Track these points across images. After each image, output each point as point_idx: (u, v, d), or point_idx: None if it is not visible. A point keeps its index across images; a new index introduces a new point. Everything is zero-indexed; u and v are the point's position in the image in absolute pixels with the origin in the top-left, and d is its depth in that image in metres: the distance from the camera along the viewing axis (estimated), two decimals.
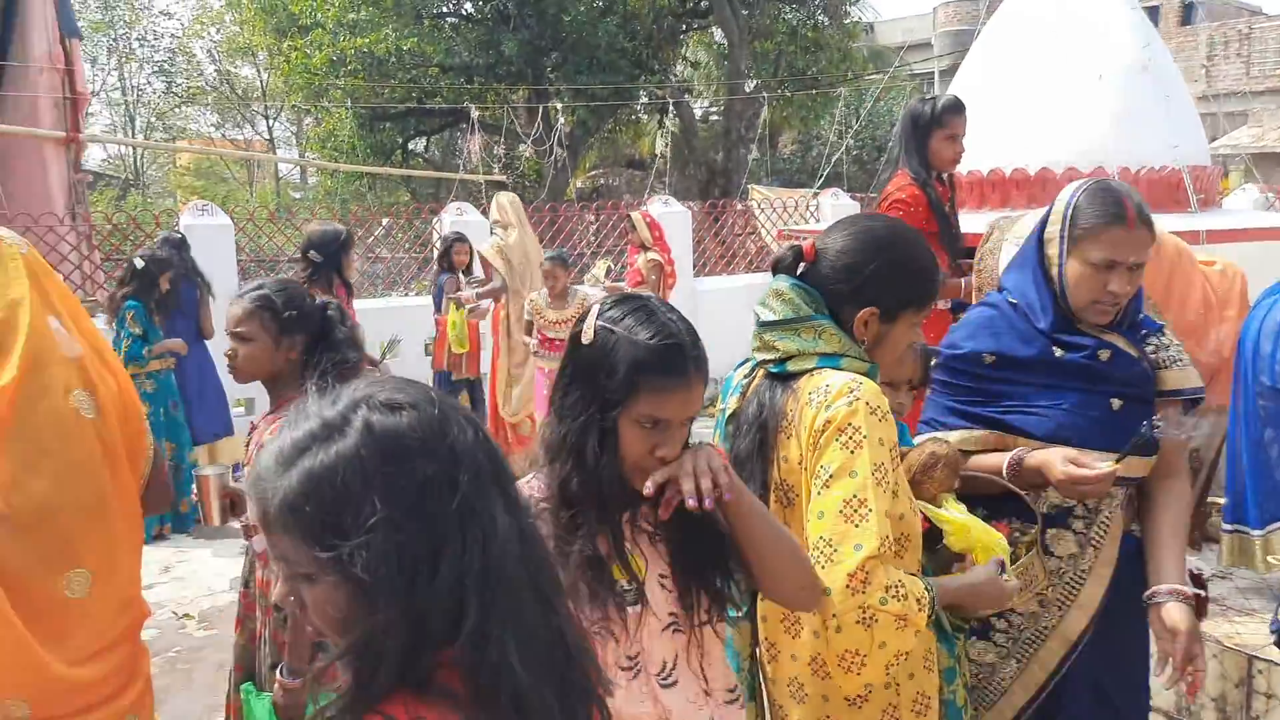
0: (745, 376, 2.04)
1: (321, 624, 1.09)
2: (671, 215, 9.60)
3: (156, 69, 30.08)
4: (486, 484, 1.10)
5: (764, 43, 19.44)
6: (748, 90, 18.13)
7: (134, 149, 31.16)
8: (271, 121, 31.55)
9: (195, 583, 5.46)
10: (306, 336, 2.71)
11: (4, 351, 2.18)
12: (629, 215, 9.00)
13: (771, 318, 1.95)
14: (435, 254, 7.61)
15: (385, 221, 12.69)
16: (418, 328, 8.24)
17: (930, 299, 2.00)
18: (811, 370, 1.89)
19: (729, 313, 9.73)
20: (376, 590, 1.02)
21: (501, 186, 15.68)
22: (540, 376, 6.86)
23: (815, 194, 11.56)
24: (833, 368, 1.88)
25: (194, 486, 2.76)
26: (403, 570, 1.02)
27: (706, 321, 9.13)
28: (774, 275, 2.03)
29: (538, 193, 18.99)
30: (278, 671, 2.50)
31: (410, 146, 23.99)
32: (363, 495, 1.03)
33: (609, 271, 9.60)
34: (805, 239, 2.08)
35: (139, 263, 6.17)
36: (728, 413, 2.02)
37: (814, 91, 19.39)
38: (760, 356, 1.98)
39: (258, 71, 30.44)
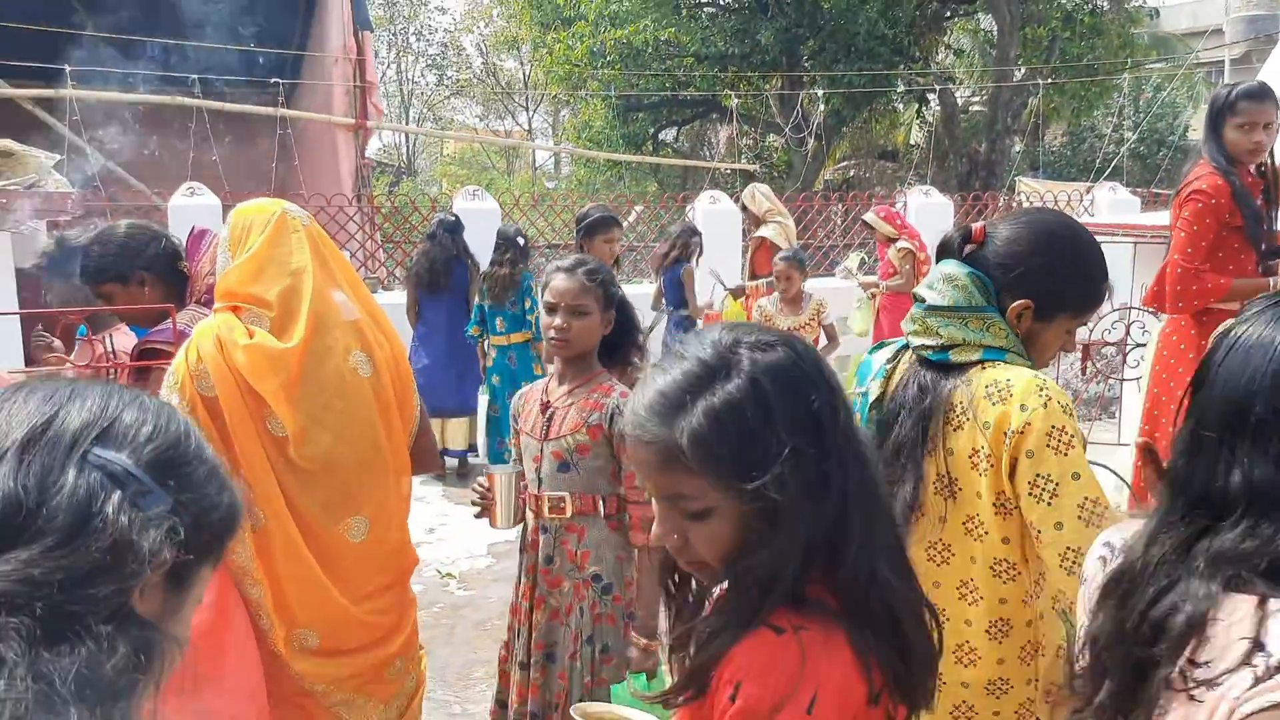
0: (889, 361, 1.96)
1: (710, 555, 1.17)
2: (932, 206, 9.19)
3: (430, 63, 31.99)
4: (850, 411, 1.20)
5: (1036, 29, 18.32)
6: (1016, 79, 17.15)
7: (408, 140, 33.29)
8: (531, 113, 32.88)
9: (457, 544, 5.70)
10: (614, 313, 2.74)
11: (291, 316, 2.38)
12: (863, 220, 8.73)
13: (940, 303, 1.86)
14: (676, 245, 7.53)
15: (638, 208, 12.91)
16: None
17: (1091, 308, 1.96)
18: (978, 362, 1.82)
19: None
20: (786, 515, 1.10)
21: (751, 177, 15.63)
22: None
23: (1090, 188, 10.75)
24: (996, 360, 1.82)
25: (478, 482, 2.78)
26: (808, 495, 1.10)
27: None
28: (938, 259, 1.94)
29: (786, 184, 18.78)
30: (631, 631, 2.57)
31: (661, 137, 24.32)
32: (767, 427, 1.10)
33: (862, 264, 9.29)
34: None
35: None
36: (871, 397, 1.95)
37: (1090, 81, 18.11)
38: (918, 341, 1.88)
39: (520, 64, 31.80)
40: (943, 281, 1.88)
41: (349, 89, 9.55)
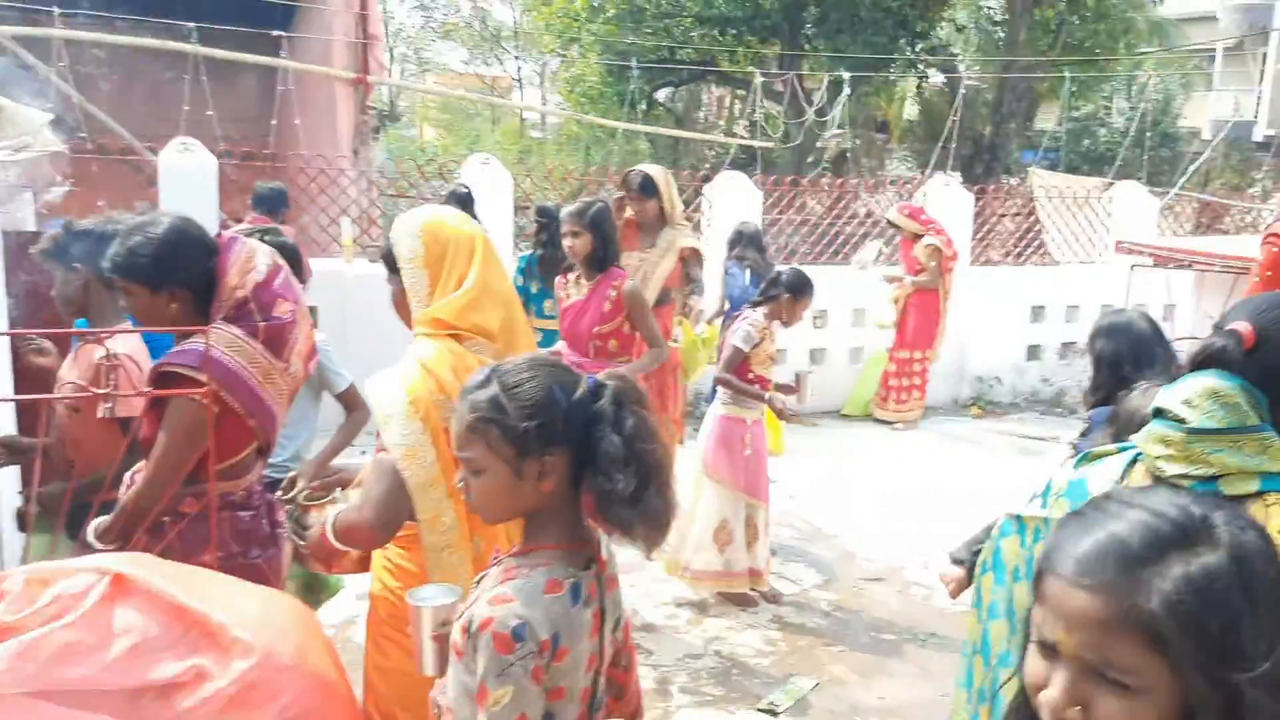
0: (1113, 483, 1.69)
1: None
2: (952, 197, 8.90)
3: (417, 3, 31.08)
4: None
5: (1044, 10, 17.99)
6: (1024, 63, 16.83)
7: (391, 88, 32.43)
8: (520, 62, 32.10)
9: None
10: None
11: (512, 347, 2.41)
12: (887, 220, 8.44)
13: (1210, 425, 1.59)
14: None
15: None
16: None
17: None
18: (1257, 494, 1.56)
19: (1002, 310, 9.04)
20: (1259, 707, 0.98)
21: (767, 153, 15.24)
22: (730, 428, 4.91)
23: (1108, 184, 10.51)
24: (1276, 490, 1.56)
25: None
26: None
27: (978, 317, 8.45)
28: (1194, 369, 1.67)
29: (783, 154, 18.40)
30: None
31: (656, 96, 23.78)
32: (1253, 615, 0.99)
33: (879, 255, 9.02)
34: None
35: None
36: None
37: (1095, 66, 17.83)
38: (1177, 469, 1.60)
39: (511, 9, 30.97)
40: (1208, 398, 1.61)
41: (350, 42, 9.07)
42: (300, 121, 8.37)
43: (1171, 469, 1.62)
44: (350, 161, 8.43)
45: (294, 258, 3.31)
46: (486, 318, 2.39)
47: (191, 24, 8.33)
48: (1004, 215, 10.67)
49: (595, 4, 18.34)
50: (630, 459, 1.67)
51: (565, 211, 4.80)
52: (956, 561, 2.50)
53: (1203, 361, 1.66)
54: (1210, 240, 6.08)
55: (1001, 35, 18.86)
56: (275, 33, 8.45)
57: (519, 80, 32.51)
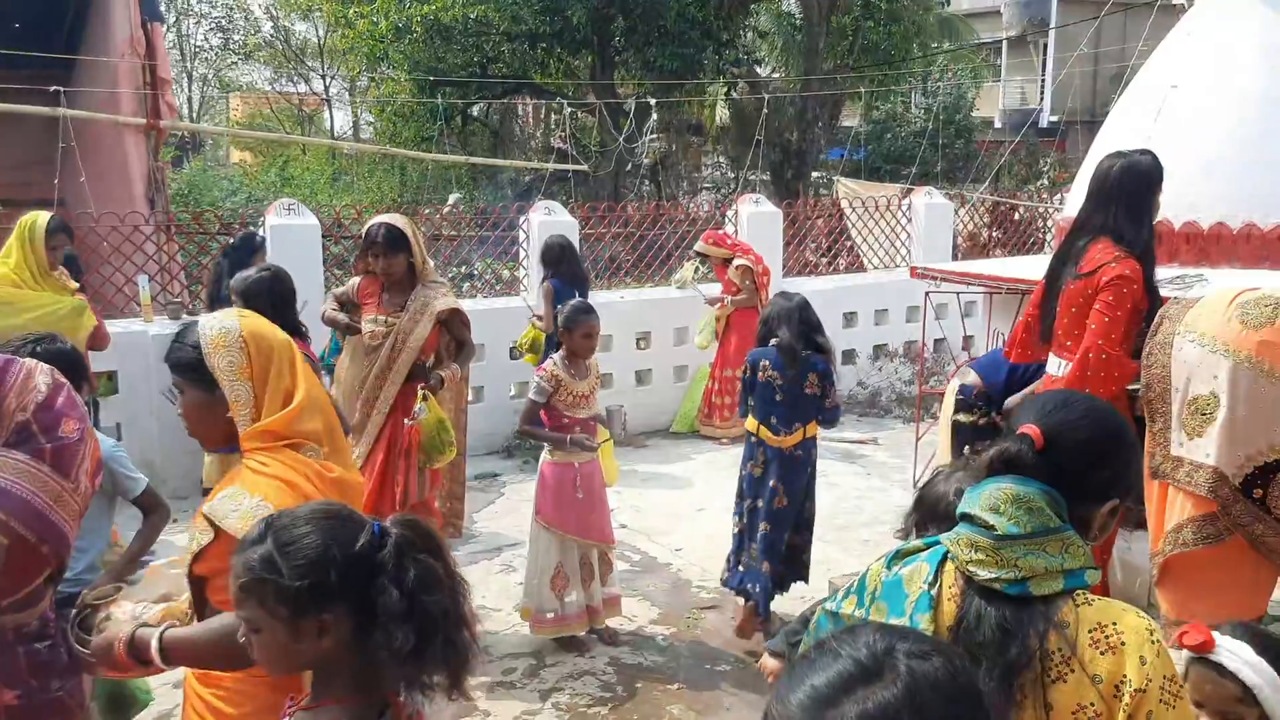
0: (929, 584, 1.74)
1: None
2: (761, 215, 9.22)
3: (213, 25, 29.83)
4: None
5: (840, 17, 18.80)
6: (824, 68, 17.54)
7: (190, 106, 31.03)
8: (328, 80, 31.26)
9: None
10: None
11: (337, 449, 2.48)
12: (694, 253, 8.71)
13: (1016, 531, 1.67)
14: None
15: (455, 196, 12.42)
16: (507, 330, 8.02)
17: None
18: (1062, 594, 1.66)
19: (823, 312, 9.39)
20: None
21: (581, 175, 15.33)
22: (558, 474, 4.89)
23: (907, 190, 11.08)
24: (1079, 586, 1.67)
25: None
26: None
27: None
28: (991, 474, 1.76)
29: (602, 165, 18.60)
30: None
31: (471, 112, 23.60)
32: None
33: (696, 272, 9.24)
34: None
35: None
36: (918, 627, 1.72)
37: (887, 69, 18.76)
38: (987, 574, 1.68)
39: (315, 28, 30.11)
40: (1012, 505, 1.69)
41: (138, 86, 8.63)
42: (87, 175, 7.92)
43: (983, 573, 1.68)
44: (145, 214, 8.02)
45: (74, 365, 3.16)
46: (314, 424, 2.39)
47: None
48: (817, 218, 11.09)
49: (400, 25, 18.03)
50: (411, 612, 1.64)
51: (232, 283, 4.55)
52: (774, 654, 2.57)
53: (1000, 466, 1.75)
54: (996, 263, 6.52)
55: (803, 41, 19.60)
56: (53, 88, 7.97)
57: (328, 98, 31.66)
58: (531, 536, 4.99)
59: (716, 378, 8.46)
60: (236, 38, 30.46)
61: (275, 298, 4.23)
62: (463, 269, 10.44)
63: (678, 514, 6.81)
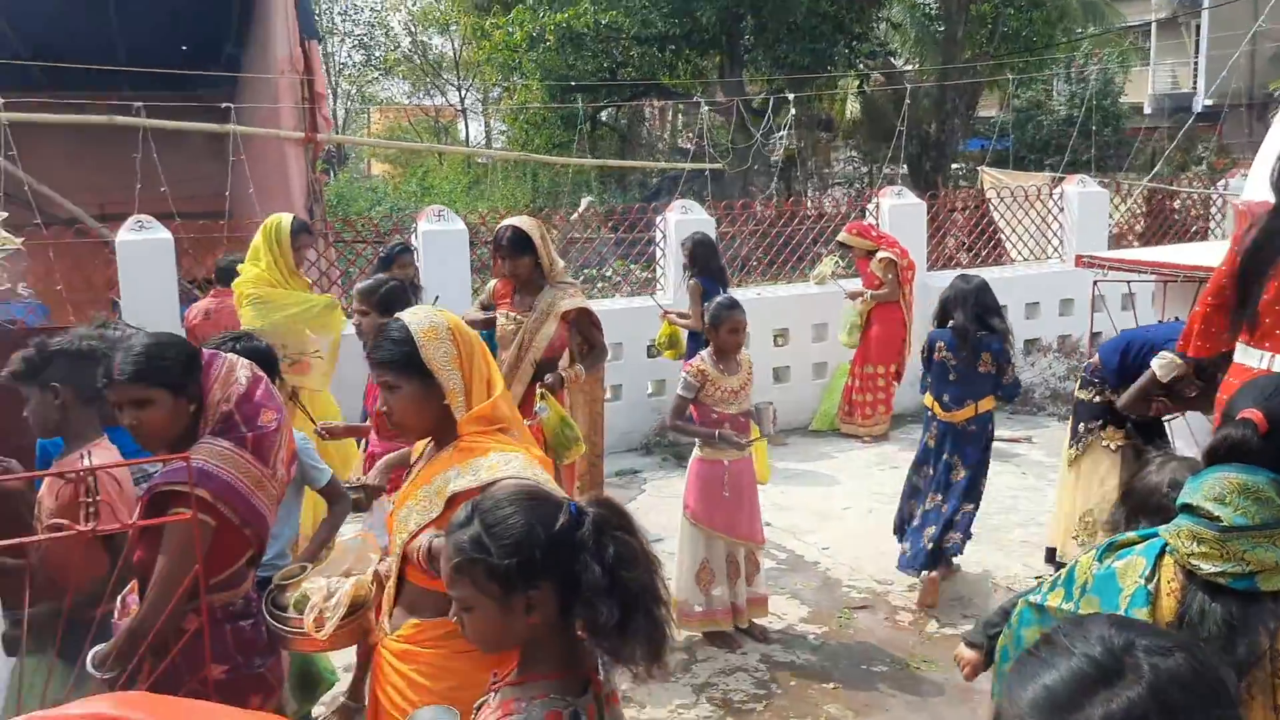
0: (1145, 578, 1.67)
1: None
2: (904, 208, 9.04)
3: (356, 42, 31.04)
4: None
5: (979, 4, 18.28)
6: (964, 57, 17.10)
7: (336, 121, 32.32)
8: (463, 91, 32.14)
9: None
10: None
11: (524, 434, 2.61)
12: (836, 243, 8.58)
13: (1243, 522, 1.59)
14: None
15: (588, 199, 12.54)
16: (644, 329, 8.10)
17: None
18: None
19: None
20: None
21: (717, 174, 15.35)
22: (706, 471, 4.92)
23: (1057, 179, 10.69)
24: None
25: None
26: None
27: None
28: (1213, 462, 1.69)
29: (732, 163, 18.56)
30: None
31: (600, 116, 23.91)
32: None
33: (836, 268, 9.13)
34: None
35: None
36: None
37: (1030, 56, 18.14)
38: (1212, 567, 1.61)
39: (450, 41, 30.99)
40: (1239, 494, 1.63)
41: (297, 101, 9.07)
42: (254, 188, 8.37)
43: (1208, 566, 1.62)
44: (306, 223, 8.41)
45: (268, 361, 3.35)
46: (510, 411, 2.52)
47: (139, 102, 8.37)
48: (962, 209, 10.82)
49: (534, 34, 18.43)
50: (614, 587, 1.70)
51: (356, 288, 4.70)
52: (971, 644, 2.52)
53: (1223, 454, 1.68)
54: (1170, 250, 6.21)
55: (939, 30, 19.15)
56: (224, 105, 8.49)
57: (463, 110, 32.51)
58: (680, 531, 5.04)
59: (856, 374, 8.34)
60: (377, 54, 31.62)
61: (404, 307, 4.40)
62: (596, 270, 10.57)
63: (823, 512, 6.75)
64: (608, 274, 10.83)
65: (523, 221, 4.95)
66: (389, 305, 4.25)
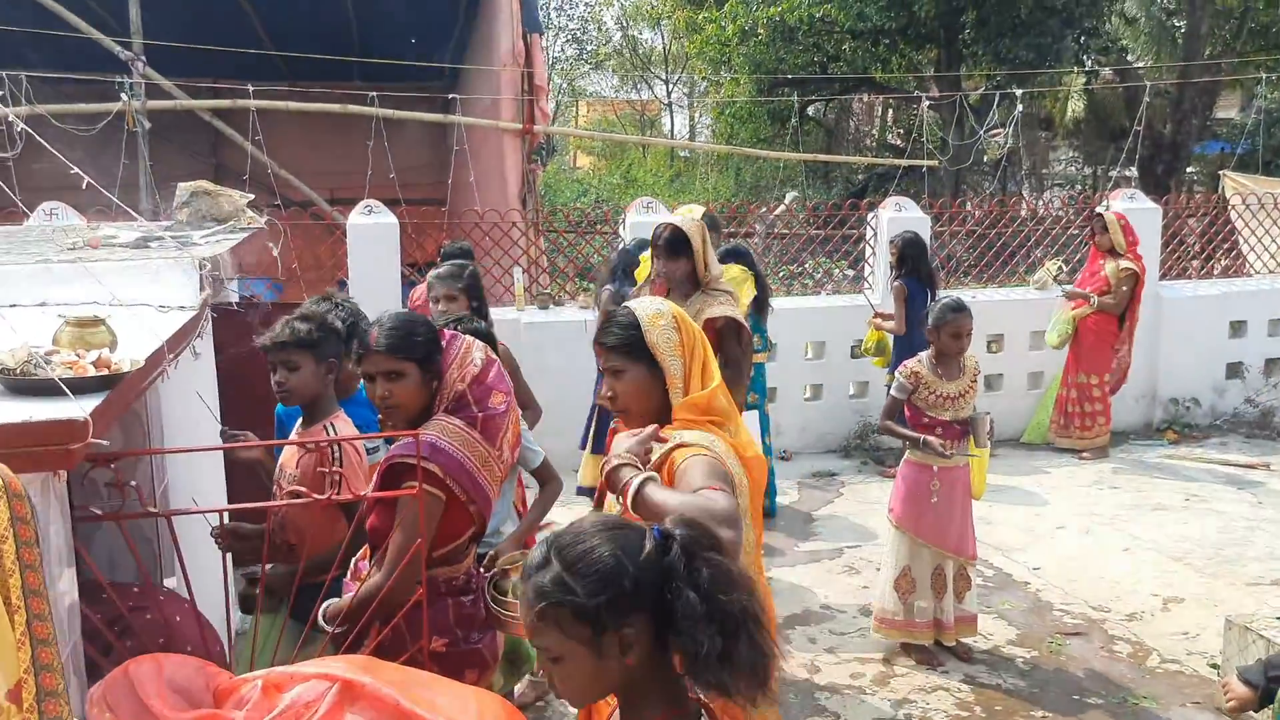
0: None
1: None
2: (1137, 212, 8.44)
3: (570, 37, 31.87)
4: None
5: None
6: (1206, 54, 15.87)
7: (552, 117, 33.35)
8: (670, 85, 32.47)
9: None
10: None
11: (739, 430, 2.54)
12: (1098, 214, 7.99)
13: None
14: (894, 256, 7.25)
15: (792, 194, 12.43)
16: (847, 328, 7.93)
17: None
18: None
19: (1197, 326, 8.52)
20: None
21: (929, 172, 14.89)
22: (915, 475, 4.76)
23: None
24: None
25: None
26: None
27: (1170, 335, 8.02)
28: None
29: (945, 161, 17.90)
30: None
31: (807, 111, 23.58)
32: None
33: (1059, 273, 8.63)
34: None
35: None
36: None
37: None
38: None
39: (660, 35, 31.34)
40: None
41: (517, 94, 9.37)
42: (473, 176, 8.70)
43: None
44: (519, 212, 8.69)
45: (489, 342, 3.44)
46: (725, 404, 2.48)
47: (373, 92, 8.88)
48: (1190, 215, 10.06)
49: (746, 28, 18.39)
50: (713, 614, 1.56)
51: (435, 274, 4.57)
52: (1247, 681, 2.36)
53: None
54: None
55: (1177, 26, 17.83)
56: (449, 95, 8.88)
57: (668, 104, 32.83)
58: (888, 533, 4.89)
59: (1070, 384, 7.88)
60: (589, 48, 32.35)
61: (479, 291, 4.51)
62: (793, 266, 10.40)
63: (1034, 530, 6.40)
64: (804, 270, 10.66)
65: (683, 221, 4.71)
66: (474, 289, 4.39)
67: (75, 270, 3.36)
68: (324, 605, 2.76)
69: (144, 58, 8.62)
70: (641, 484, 2.15)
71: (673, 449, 2.31)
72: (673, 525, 1.65)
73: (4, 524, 1.37)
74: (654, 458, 2.32)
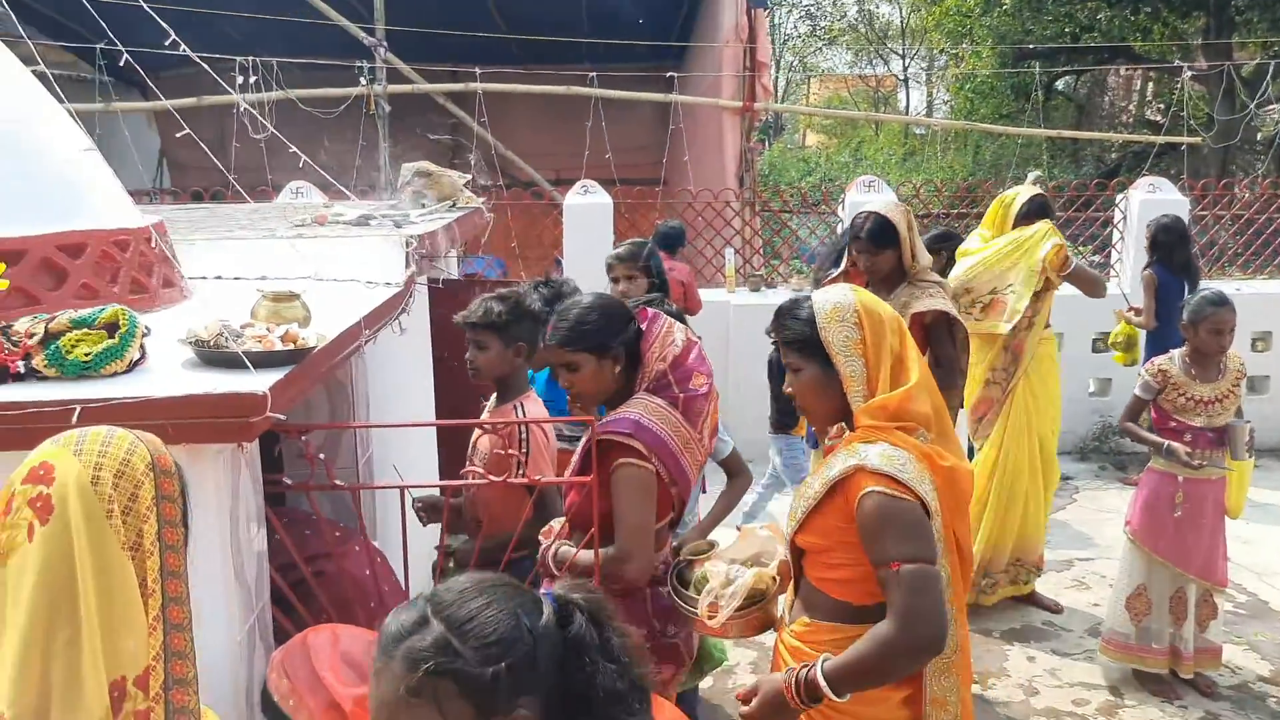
0: None
1: None
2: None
3: (803, 13, 31.31)
4: None
5: None
6: None
7: (775, 91, 32.94)
8: (907, 60, 31.31)
9: None
10: None
11: (944, 434, 2.35)
12: None
13: None
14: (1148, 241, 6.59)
15: (1035, 173, 11.57)
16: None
17: None
18: None
19: None
20: None
21: (1193, 151, 13.62)
22: (1157, 484, 4.31)
23: None
24: None
25: None
26: None
27: None
28: None
29: (1214, 139, 16.31)
30: None
31: (1055, 84, 22.08)
32: None
33: None
34: None
35: None
36: None
37: None
38: None
39: (898, 8, 30.24)
40: None
41: (738, 71, 9.22)
42: (689, 155, 8.63)
43: None
44: (735, 192, 8.53)
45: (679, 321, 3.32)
46: (925, 407, 2.24)
47: (593, 72, 8.96)
48: None
49: None
50: (633, 691, 1.31)
51: (614, 254, 4.57)
52: None
53: None
54: None
55: None
56: (669, 74, 8.84)
57: (905, 78, 31.65)
58: (1123, 546, 4.43)
59: None
60: (823, 24, 31.64)
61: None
62: None
63: None
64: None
65: (888, 208, 4.16)
66: (654, 268, 4.40)
67: (296, 246, 3.50)
68: (553, 548, 2.72)
69: (385, 43, 9.04)
70: (821, 681, 2.11)
71: (853, 472, 2.12)
72: (568, 590, 1.37)
73: (147, 503, 1.35)
74: (832, 473, 2.17)
